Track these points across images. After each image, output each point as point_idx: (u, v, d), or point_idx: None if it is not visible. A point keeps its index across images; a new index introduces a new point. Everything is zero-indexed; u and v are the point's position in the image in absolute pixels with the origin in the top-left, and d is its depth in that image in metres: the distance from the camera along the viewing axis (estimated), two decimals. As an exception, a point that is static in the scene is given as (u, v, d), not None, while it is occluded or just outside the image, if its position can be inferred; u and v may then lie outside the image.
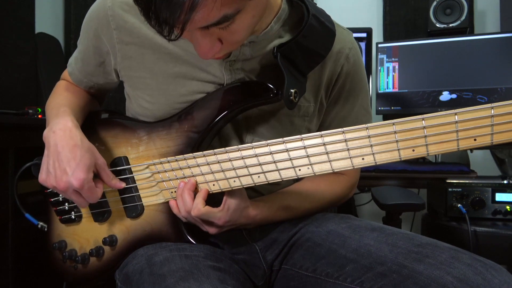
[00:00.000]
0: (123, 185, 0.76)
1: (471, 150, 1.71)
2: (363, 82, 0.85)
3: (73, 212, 0.82)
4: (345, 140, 0.61)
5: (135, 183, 0.77)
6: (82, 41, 0.83)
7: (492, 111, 0.53)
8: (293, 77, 0.70)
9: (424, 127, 0.57)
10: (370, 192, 1.46)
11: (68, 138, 0.71)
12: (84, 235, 0.82)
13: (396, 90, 1.79)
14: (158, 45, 0.74)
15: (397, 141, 0.58)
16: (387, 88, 1.80)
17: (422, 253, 0.64)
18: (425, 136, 0.57)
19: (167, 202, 0.76)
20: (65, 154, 0.69)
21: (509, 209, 1.37)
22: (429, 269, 0.61)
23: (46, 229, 0.87)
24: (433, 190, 1.58)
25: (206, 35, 0.58)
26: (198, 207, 0.68)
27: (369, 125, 0.59)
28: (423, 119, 0.56)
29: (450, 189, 1.41)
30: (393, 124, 0.58)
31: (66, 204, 0.82)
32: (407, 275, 0.62)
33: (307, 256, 0.76)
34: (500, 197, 1.39)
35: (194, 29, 0.55)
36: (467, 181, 1.45)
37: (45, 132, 0.74)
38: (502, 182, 1.43)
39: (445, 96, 1.72)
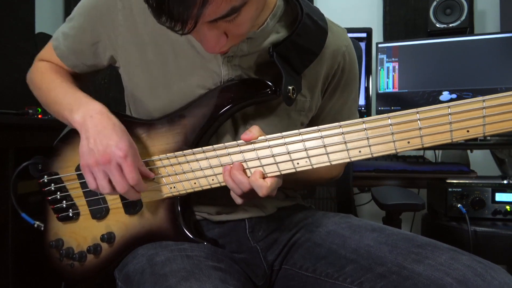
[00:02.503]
0: (152, 175, 0.73)
1: (471, 150, 1.71)
2: (356, 77, 0.88)
3: (70, 210, 0.82)
4: (342, 133, 0.62)
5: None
6: (77, 18, 0.80)
7: (484, 104, 0.55)
8: (289, 75, 0.71)
9: (419, 120, 0.58)
10: (370, 192, 1.46)
11: (107, 119, 0.70)
12: (81, 233, 0.82)
13: (396, 90, 1.79)
14: (162, 35, 0.74)
15: (392, 134, 0.60)
16: (387, 88, 1.80)
17: (421, 254, 0.64)
18: (420, 128, 0.58)
19: (166, 198, 0.76)
20: (107, 132, 0.69)
21: (509, 209, 1.37)
22: (428, 270, 0.61)
23: (42, 229, 0.87)
24: (433, 190, 1.58)
25: (212, 29, 0.58)
26: (266, 185, 0.65)
27: (365, 119, 0.61)
28: (417, 112, 0.58)
29: (450, 189, 1.41)
30: (389, 117, 0.59)
31: (64, 202, 0.82)
32: (406, 276, 0.62)
33: (307, 256, 0.76)
34: (500, 197, 1.39)
35: (202, 23, 0.56)
36: (467, 181, 1.45)
37: (79, 118, 0.71)
38: (502, 182, 1.43)
39: (445, 96, 1.72)
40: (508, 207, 1.38)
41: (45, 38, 1.84)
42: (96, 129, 0.69)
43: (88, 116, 0.71)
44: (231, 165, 0.68)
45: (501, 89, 1.64)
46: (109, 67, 0.85)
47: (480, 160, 1.88)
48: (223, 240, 0.81)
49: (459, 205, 1.38)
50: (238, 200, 0.69)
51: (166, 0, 0.50)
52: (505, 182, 1.43)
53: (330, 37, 0.78)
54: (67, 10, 2.19)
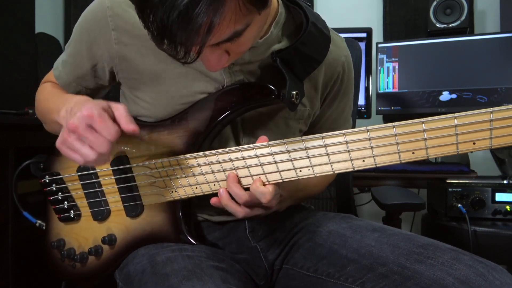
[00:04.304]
0: (132, 127, 0.63)
1: (471, 150, 1.71)
2: (353, 85, 0.89)
3: (72, 211, 0.82)
4: (346, 142, 0.61)
5: (135, 182, 0.77)
6: (74, 44, 0.80)
7: (492, 116, 0.54)
8: (292, 80, 0.71)
9: (424, 130, 0.57)
10: (370, 192, 1.46)
11: (82, 101, 0.66)
12: (83, 234, 0.82)
13: (396, 90, 1.79)
14: None
15: (397, 144, 0.59)
16: (387, 88, 1.80)
17: (423, 254, 0.64)
18: (425, 139, 0.57)
19: (167, 202, 0.76)
20: (77, 105, 0.64)
21: (509, 209, 1.38)
22: (430, 270, 0.61)
23: (44, 228, 0.87)
24: (433, 190, 1.58)
25: (215, 50, 0.58)
26: (268, 190, 0.65)
27: (369, 127, 0.60)
28: (423, 122, 0.57)
29: (450, 189, 1.41)
30: (394, 127, 0.58)
31: (66, 202, 0.82)
32: (408, 276, 0.63)
33: (308, 256, 0.76)
34: (500, 197, 1.39)
35: (205, 46, 0.55)
36: (467, 181, 1.45)
37: (63, 113, 0.67)
38: (502, 182, 1.43)
39: (445, 96, 1.72)
40: (508, 207, 1.38)
41: (45, 38, 1.84)
42: (71, 111, 0.65)
43: (69, 108, 0.66)
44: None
45: (501, 89, 1.64)
46: (112, 85, 0.85)
47: (480, 160, 1.88)
48: (223, 240, 0.81)
49: (459, 205, 1.38)
50: (239, 213, 0.68)
51: (168, 29, 0.49)
52: (505, 182, 1.43)
53: (330, 46, 0.78)
54: (67, 10, 2.19)
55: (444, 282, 0.59)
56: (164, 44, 0.52)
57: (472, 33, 2.00)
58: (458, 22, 1.84)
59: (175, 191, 0.74)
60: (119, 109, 0.64)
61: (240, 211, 0.68)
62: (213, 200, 0.69)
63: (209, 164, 0.70)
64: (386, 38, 2.15)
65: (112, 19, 0.74)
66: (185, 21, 0.48)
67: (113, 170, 0.78)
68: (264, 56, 0.74)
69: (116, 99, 0.87)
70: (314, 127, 0.88)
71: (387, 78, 1.80)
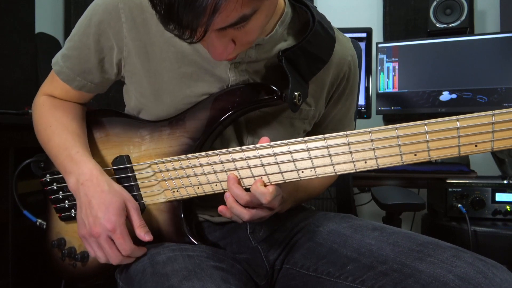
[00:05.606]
0: (147, 238, 0.71)
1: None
2: (357, 85, 0.90)
3: (73, 210, 0.82)
4: (348, 144, 0.61)
5: (137, 181, 0.77)
6: (80, 37, 0.77)
7: (493, 118, 0.54)
8: (296, 81, 0.71)
9: (426, 132, 0.57)
10: (370, 192, 1.46)
11: (96, 186, 0.71)
12: (84, 233, 0.82)
13: (396, 90, 1.79)
14: (167, 42, 0.73)
15: (399, 146, 0.59)
16: (387, 88, 1.80)
17: (423, 252, 0.64)
18: (427, 141, 0.57)
19: (169, 202, 0.76)
20: (95, 202, 0.70)
21: (509, 209, 1.38)
22: (430, 267, 0.61)
23: (44, 227, 0.87)
24: (433, 190, 1.58)
25: (221, 36, 0.58)
26: (268, 191, 0.64)
27: (372, 129, 0.60)
28: (425, 124, 0.57)
29: (450, 189, 1.42)
30: (396, 128, 0.58)
31: (66, 201, 0.82)
32: (408, 273, 0.63)
33: (309, 255, 0.76)
34: (500, 197, 1.39)
35: (211, 31, 0.55)
36: (467, 181, 1.45)
37: (72, 184, 0.73)
38: (502, 182, 1.43)
39: (445, 96, 1.72)
40: (508, 207, 1.38)
41: (45, 38, 1.84)
42: (86, 199, 0.71)
43: (79, 183, 0.72)
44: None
45: (501, 89, 1.65)
46: (116, 81, 0.84)
47: (480, 160, 1.88)
48: (224, 241, 0.82)
49: (459, 205, 1.38)
50: (245, 215, 0.67)
51: (175, 8, 0.49)
52: (505, 182, 1.43)
53: (336, 46, 0.78)
54: (67, 10, 2.19)
55: (444, 279, 0.59)
56: (171, 24, 0.52)
57: (472, 33, 2.00)
58: (458, 22, 1.84)
59: (177, 191, 0.74)
60: (134, 216, 0.72)
61: (245, 213, 0.67)
62: (221, 208, 0.69)
63: (211, 164, 0.69)
64: (386, 38, 2.15)
65: (123, 11, 0.73)
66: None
67: (114, 169, 0.78)
68: (270, 55, 0.74)
69: (117, 99, 0.87)
70: (319, 128, 0.88)
71: (387, 78, 1.80)
